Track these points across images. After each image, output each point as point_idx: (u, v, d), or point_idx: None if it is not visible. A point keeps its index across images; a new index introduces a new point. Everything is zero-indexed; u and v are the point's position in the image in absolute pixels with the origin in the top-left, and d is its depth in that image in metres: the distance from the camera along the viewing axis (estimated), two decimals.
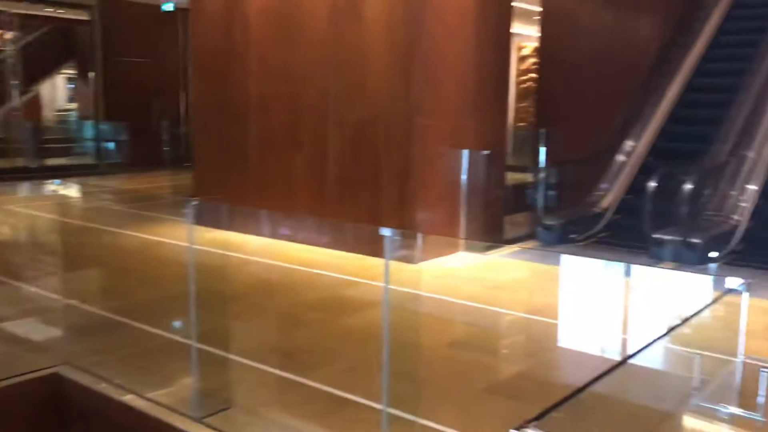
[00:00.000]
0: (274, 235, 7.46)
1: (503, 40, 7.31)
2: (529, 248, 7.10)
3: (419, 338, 4.70)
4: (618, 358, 4.68)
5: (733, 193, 7.23)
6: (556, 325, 5.13)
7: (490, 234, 7.22)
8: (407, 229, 6.39)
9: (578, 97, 10.59)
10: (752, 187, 7.22)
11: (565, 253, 6.92)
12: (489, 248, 6.87)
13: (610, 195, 8.07)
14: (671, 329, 3.07)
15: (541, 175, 7.55)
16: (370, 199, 6.56)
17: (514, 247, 7.10)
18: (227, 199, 8.01)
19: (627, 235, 7.16)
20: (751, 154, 7.44)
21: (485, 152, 6.72)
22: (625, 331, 5.03)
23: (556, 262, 6.45)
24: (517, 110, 17.71)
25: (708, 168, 7.23)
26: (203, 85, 8.37)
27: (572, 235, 7.38)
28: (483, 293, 5.69)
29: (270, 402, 3.65)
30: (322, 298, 5.61)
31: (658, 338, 3.08)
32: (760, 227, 6.96)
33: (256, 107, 7.65)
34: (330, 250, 6.85)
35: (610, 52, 10.53)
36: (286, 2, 7.25)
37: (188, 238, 4.01)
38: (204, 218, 7.21)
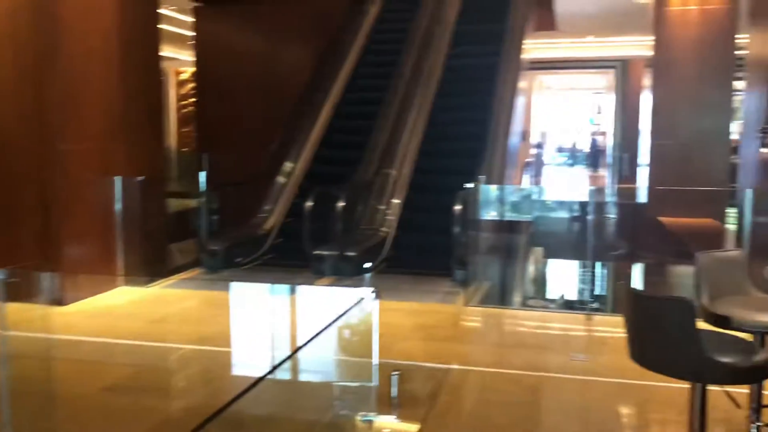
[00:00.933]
0: None
1: (152, 62, 6.99)
2: (193, 276, 6.86)
3: (69, 387, 4.17)
4: (288, 375, 4.72)
5: (381, 207, 7.91)
6: (226, 352, 4.99)
7: (153, 265, 6.83)
8: (54, 265, 5.69)
9: (236, 122, 10.70)
10: (396, 201, 7.99)
11: (230, 278, 6.83)
12: (151, 280, 6.47)
13: (272, 217, 8.23)
14: (308, 341, 3.15)
15: (203, 199, 7.38)
16: (3, 236, 5.70)
17: (178, 276, 6.80)
18: None
19: (291, 255, 7.36)
20: (393, 172, 8.23)
21: (140, 178, 6.33)
22: (292, 347, 5.11)
23: (223, 288, 6.32)
24: (181, 135, 17.31)
25: (357, 186, 7.80)
26: None
27: (238, 259, 7.33)
28: (145, 329, 5.31)
29: None
30: None
31: (296, 351, 3.13)
32: (405, 235, 7.70)
33: None
34: None
35: (265, 78, 10.85)
36: None
37: None
38: None
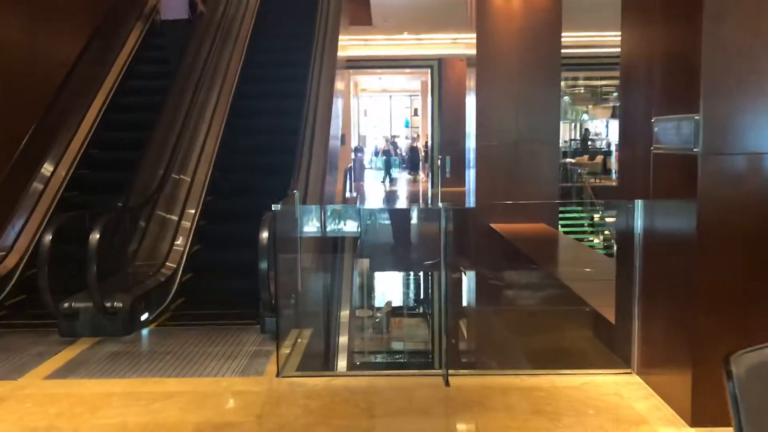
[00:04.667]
0: None
1: None
2: None
3: None
4: None
5: (166, 235, 6.06)
6: None
7: None
8: None
9: None
10: (186, 225, 6.18)
11: None
12: None
13: (13, 253, 6.05)
14: None
15: None
16: None
17: None
18: None
19: (39, 306, 5.25)
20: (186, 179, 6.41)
21: None
22: None
23: None
24: None
25: (131, 206, 5.89)
26: None
27: None
28: None
29: None
30: None
31: None
32: (200, 273, 5.92)
33: None
34: None
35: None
36: None
37: None
38: None
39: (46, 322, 4.99)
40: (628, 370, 3.95)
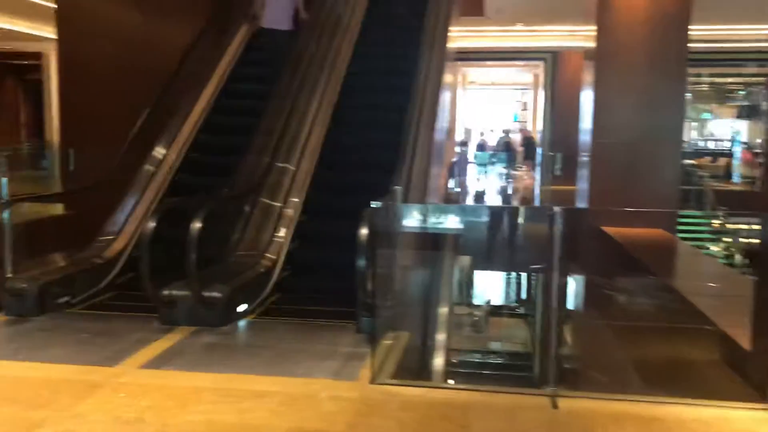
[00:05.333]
0: None
1: None
2: None
3: None
4: None
5: (268, 224, 6.00)
6: None
7: None
8: None
9: (104, 109, 8.52)
10: (289, 212, 6.09)
11: (39, 329, 4.76)
12: None
13: (120, 238, 6.18)
14: None
15: (4, 214, 5.22)
16: None
17: None
18: None
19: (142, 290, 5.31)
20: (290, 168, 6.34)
21: None
22: None
23: (14, 355, 4.23)
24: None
25: (231, 196, 5.86)
26: None
27: (63, 299, 5.26)
28: None
29: None
30: None
31: None
32: (298, 264, 5.82)
33: None
34: None
35: (139, 57, 8.77)
36: None
37: None
38: None
39: (148, 308, 5.02)
40: (766, 406, 3.47)
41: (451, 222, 6.92)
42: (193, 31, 8.51)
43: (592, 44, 9.81)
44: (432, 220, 6.54)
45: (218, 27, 8.88)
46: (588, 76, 10.27)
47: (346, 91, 7.82)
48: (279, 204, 6.28)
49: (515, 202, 18.58)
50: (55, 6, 9.54)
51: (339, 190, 6.70)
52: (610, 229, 9.03)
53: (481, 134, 26.68)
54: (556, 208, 3.73)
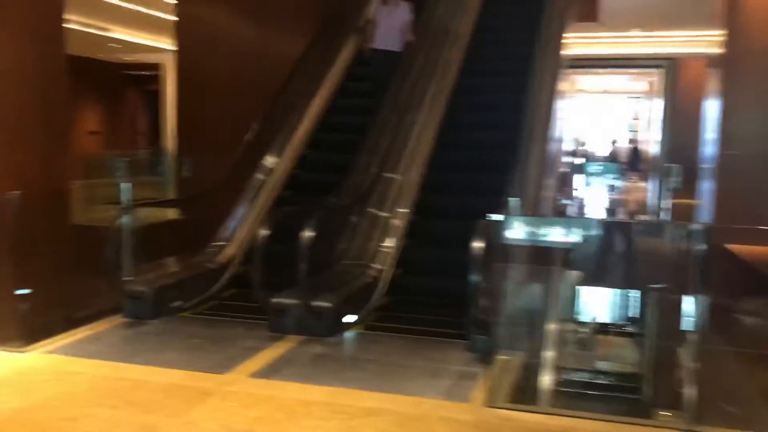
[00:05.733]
0: None
1: (47, 33, 5.09)
2: (108, 329, 4.90)
3: None
4: None
5: (374, 233, 5.89)
6: None
7: (53, 310, 4.91)
8: None
9: (220, 120, 8.76)
10: (397, 223, 5.97)
11: (154, 333, 4.86)
12: (34, 338, 4.50)
13: (232, 244, 6.26)
14: None
15: (124, 219, 5.39)
16: None
17: (85, 331, 4.83)
18: None
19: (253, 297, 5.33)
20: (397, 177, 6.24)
21: (13, 193, 4.39)
22: None
23: (132, 358, 4.32)
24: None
25: (340, 206, 5.81)
26: None
27: (176, 303, 5.36)
28: None
29: None
30: None
31: None
32: (406, 275, 5.68)
33: None
34: None
35: (253, 68, 8.98)
36: None
37: None
38: None
39: (258, 316, 5.02)
40: None
41: (565, 235, 6.59)
42: (303, 43, 8.60)
43: (715, 50, 9.21)
44: (545, 233, 6.24)
45: (327, 40, 8.92)
46: (713, 84, 9.65)
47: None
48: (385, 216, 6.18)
49: (623, 216, 17.72)
50: (176, 19, 9.93)
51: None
52: (736, 247, 8.38)
53: (584, 144, 25.77)
54: (696, 226, 3.40)
